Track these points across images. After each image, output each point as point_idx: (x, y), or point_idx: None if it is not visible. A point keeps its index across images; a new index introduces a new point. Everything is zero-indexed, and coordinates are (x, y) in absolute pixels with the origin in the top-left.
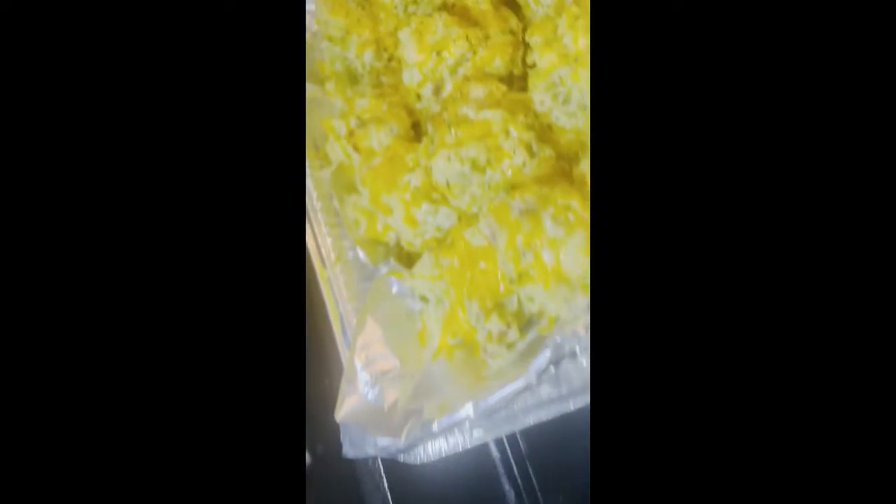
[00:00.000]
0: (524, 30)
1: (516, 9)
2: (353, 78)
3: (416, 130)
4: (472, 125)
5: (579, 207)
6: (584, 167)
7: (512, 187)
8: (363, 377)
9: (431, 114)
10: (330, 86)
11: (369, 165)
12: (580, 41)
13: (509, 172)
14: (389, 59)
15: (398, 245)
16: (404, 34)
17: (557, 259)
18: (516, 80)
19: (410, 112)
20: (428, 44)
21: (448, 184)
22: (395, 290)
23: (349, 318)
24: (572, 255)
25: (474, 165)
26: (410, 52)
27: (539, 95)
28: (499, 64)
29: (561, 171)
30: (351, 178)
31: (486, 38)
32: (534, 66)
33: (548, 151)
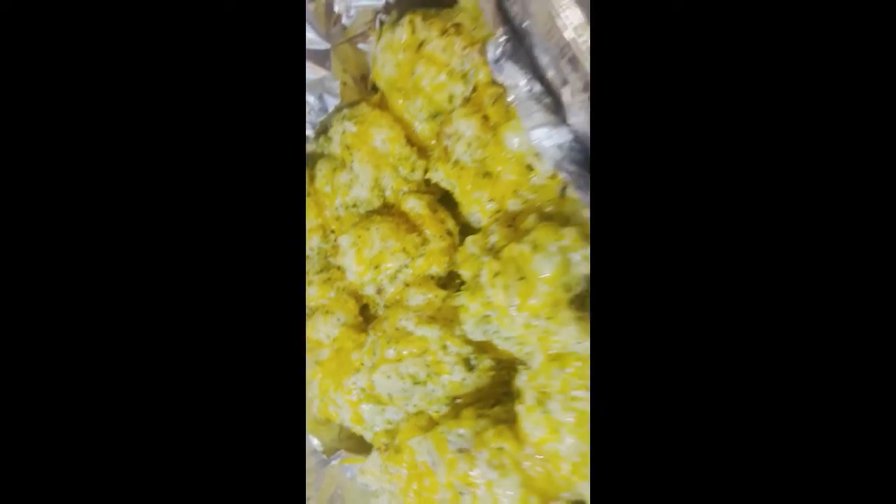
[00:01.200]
0: (460, 231)
1: (453, 206)
2: None
3: (365, 314)
4: (411, 340)
5: (512, 450)
6: (520, 380)
7: (453, 399)
8: None
9: (375, 317)
10: None
11: (316, 359)
12: (499, 296)
13: (449, 388)
14: (336, 239)
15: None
16: (344, 242)
17: (495, 503)
18: (455, 276)
19: (358, 298)
20: (366, 258)
21: (391, 397)
22: (348, 475)
23: None
24: (508, 499)
25: (415, 381)
26: (350, 262)
27: (470, 327)
28: (436, 270)
29: (501, 382)
30: None
31: (424, 242)
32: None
33: (487, 362)
